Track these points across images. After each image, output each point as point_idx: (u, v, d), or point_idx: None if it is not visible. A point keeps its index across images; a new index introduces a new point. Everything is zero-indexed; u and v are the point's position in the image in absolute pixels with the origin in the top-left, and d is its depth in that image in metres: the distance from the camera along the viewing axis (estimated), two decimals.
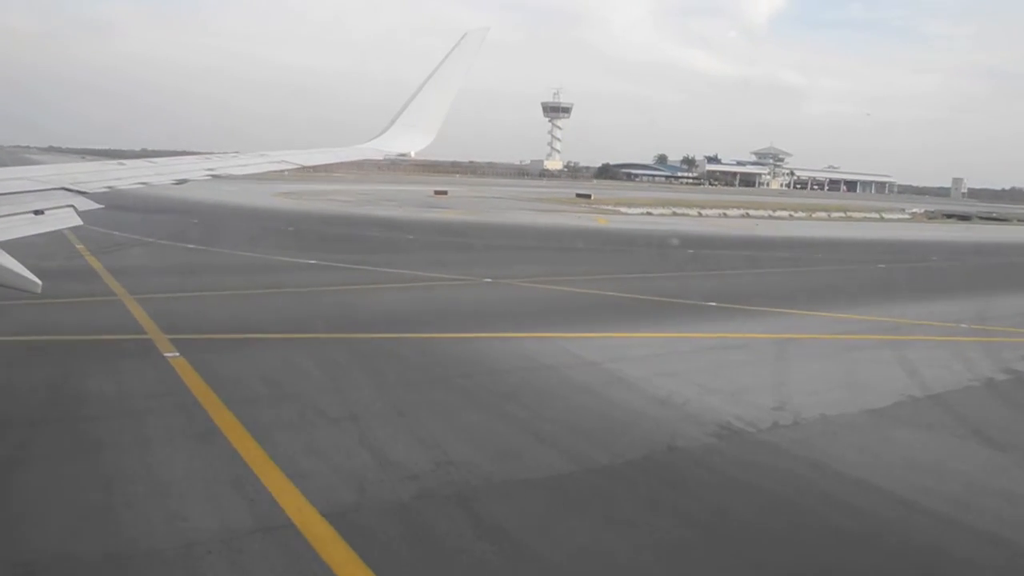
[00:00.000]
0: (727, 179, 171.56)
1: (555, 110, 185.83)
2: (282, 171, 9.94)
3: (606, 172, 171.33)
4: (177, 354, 10.03)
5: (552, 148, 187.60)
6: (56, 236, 22.73)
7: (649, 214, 53.57)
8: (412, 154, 10.97)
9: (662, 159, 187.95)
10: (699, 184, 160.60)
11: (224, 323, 12.58)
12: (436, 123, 10.82)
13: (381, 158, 10.89)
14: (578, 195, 69.75)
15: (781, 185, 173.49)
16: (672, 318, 14.77)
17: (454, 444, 7.44)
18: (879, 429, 8.60)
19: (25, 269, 5.57)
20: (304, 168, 10.35)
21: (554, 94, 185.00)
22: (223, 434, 7.38)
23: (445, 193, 63.14)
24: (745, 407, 8.95)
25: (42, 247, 21.46)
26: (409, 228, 33.07)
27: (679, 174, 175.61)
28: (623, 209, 56.57)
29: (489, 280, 17.69)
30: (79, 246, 21.89)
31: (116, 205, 36.80)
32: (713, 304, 15.88)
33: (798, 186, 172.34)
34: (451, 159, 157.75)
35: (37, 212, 5.89)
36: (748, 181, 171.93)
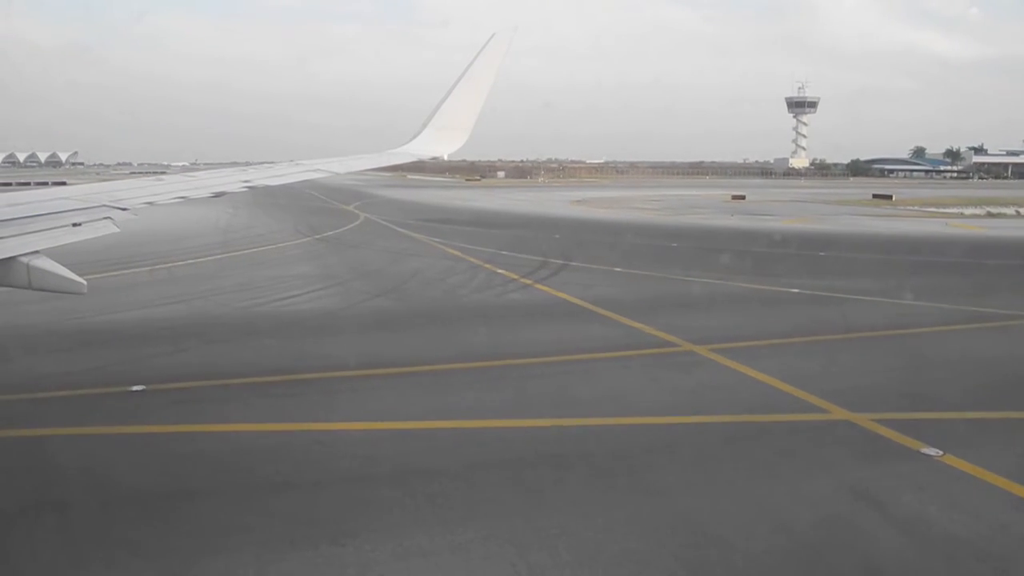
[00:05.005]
0: (997, 171, 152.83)
1: (800, 105, 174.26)
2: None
3: (857, 168, 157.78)
4: (940, 452, 7.49)
5: (797, 145, 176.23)
6: (459, 260, 22.22)
7: (962, 215, 47.36)
8: (445, 156, 10.96)
9: (919, 152, 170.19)
10: (967, 178, 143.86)
11: (892, 392, 9.84)
12: (469, 124, 10.69)
13: (415, 161, 10.90)
14: (875, 196, 63.44)
15: None
16: None
17: None
18: None
19: (69, 272, 5.31)
20: (338, 175, 10.19)
21: (799, 88, 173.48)
22: None
23: (743, 198, 59.55)
24: None
25: (461, 272, 20.38)
26: (789, 241, 29.63)
27: (941, 168, 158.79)
28: (932, 209, 51.07)
29: None
30: (487, 265, 20.73)
31: (441, 219, 36.79)
32: None
33: None
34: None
35: (75, 224, 6.04)
36: (1022, 173, 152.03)
